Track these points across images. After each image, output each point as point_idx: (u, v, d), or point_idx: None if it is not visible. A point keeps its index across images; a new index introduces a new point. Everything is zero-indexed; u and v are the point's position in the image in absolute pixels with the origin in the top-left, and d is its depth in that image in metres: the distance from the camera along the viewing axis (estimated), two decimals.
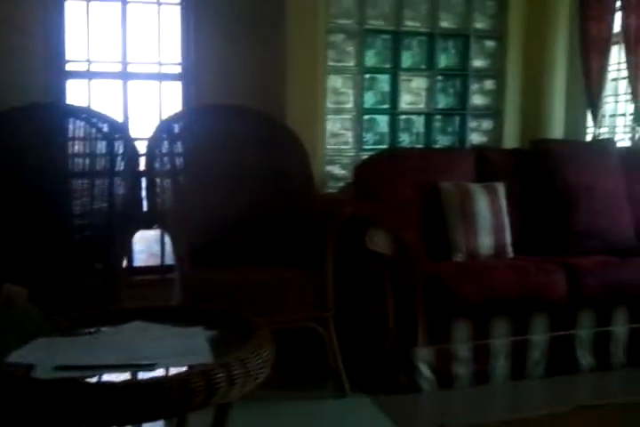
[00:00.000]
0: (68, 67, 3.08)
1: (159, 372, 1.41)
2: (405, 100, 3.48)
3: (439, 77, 3.53)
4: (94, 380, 1.37)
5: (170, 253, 3.16)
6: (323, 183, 3.23)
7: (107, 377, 1.40)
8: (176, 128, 2.87)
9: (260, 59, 3.22)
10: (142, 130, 3.06)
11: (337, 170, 3.36)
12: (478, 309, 2.48)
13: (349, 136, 3.38)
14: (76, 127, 2.90)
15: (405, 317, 2.45)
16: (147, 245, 3.34)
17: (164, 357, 1.46)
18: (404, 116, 3.48)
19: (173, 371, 1.41)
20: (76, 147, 2.88)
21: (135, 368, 1.42)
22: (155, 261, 3.20)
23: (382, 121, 3.45)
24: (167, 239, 3.15)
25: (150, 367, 1.42)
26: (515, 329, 2.56)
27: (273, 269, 2.47)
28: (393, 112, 3.45)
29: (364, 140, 3.41)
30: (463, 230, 2.79)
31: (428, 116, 3.52)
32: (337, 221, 2.46)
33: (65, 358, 1.43)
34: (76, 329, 1.69)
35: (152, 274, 3.06)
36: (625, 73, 3.87)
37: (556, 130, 3.55)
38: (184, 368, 1.41)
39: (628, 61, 3.75)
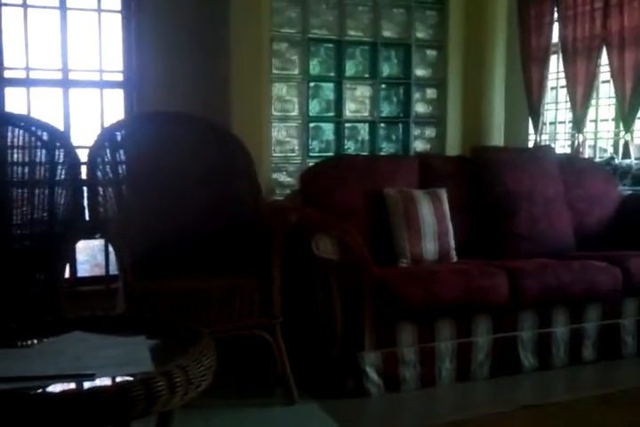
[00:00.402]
0: (7, 74, 3.01)
1: (99, 382, 1.38)
2: (350, 108, 3.52)
3: (382, 86, 3.59)
4: (32, 391, 1.34)
5: (114, 263, 3.11)
6: (269, 191, 3.24)
7: (45, 388, 1.36)
8: (118, 136, 2.83)
9: (203, 66, 3.21)
10: (84, 138, 3.01)
11: (283, 177, 3.38)
12: (423, 312, 2.51)
13: (295, 144, 3.39)
14: (15, 135, 2.82)
15: (352, 321, 2.46)
16: (91, 255, 3.28)
17: (105, 367, 1.43)
18: (348, 124, 3.52)
19: (113, 381, 1.39)
20: (15, 155, 2.82)
21: (74, 379, 1.39)
22: (99, 272, 3.14)
23: (328, 129, 3.48)
24: (111, 249, 3.10)
25: (90, 378, 1.39)
26: (459, 332, 2.60)
27: (219, 278, 2.45)
28: (338, 120, 3.49)
29: (310, 147, 3.44)
30: (408, 236, 2.83)
31: (373, 124, 3.57)
32: (283, 229, 2.46)
33: (2, 369, 1.39)
34: (14, 340, 1.65)
35: (96, 284, 2.99)
36: (564, 82, 4.01)
37: (497, 137, 3.64)
38: (125, 378, 1.39)
39: (566, 71, 3.89)
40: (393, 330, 2.49)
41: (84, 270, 3.24)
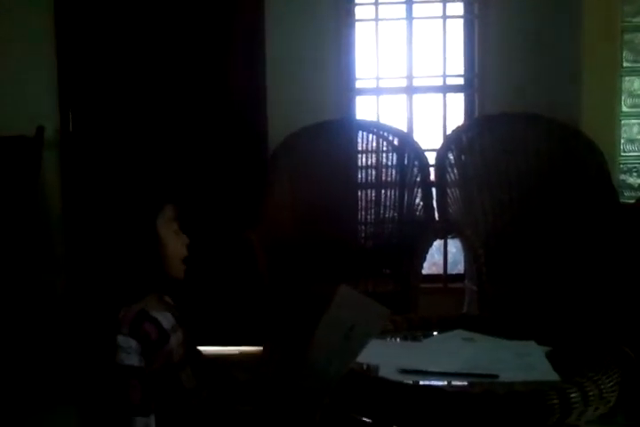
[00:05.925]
0: (358, 84, 3.22)
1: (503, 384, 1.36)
2: None
3: None
4: (446, 387, 1.38)
5: (452, 263, 3.17)
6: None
7: (459, 386, 1.39)
8: (464, 139, 2.86)
9: (546, 64, 3.09)
10: (425, 142, 3.08)
11: (633, 179, 3.08)
12: None
13: None
14: (367, 141, 3.02)
15: None
16: (429, 254, 3.38)
17: (505, 370, 1.41)
18: None
19: (518, 385, 1.36)
20: (365, 159, 3.01)
21: (475, 378, 1.39)
22: (436, 270, 3.22)
23: None
24: (450, 249, 3.15)
25: (492, 378, 1.38)
26: None
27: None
28: None
29: None
30: None
31: None
32: None
33: (406, 362, 1.45)
34: (400, 332, 1.72)
35: (434, 282, 3.06)
36: None
37: None
38: (530, 383, 1.35)
39: None
40: None
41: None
